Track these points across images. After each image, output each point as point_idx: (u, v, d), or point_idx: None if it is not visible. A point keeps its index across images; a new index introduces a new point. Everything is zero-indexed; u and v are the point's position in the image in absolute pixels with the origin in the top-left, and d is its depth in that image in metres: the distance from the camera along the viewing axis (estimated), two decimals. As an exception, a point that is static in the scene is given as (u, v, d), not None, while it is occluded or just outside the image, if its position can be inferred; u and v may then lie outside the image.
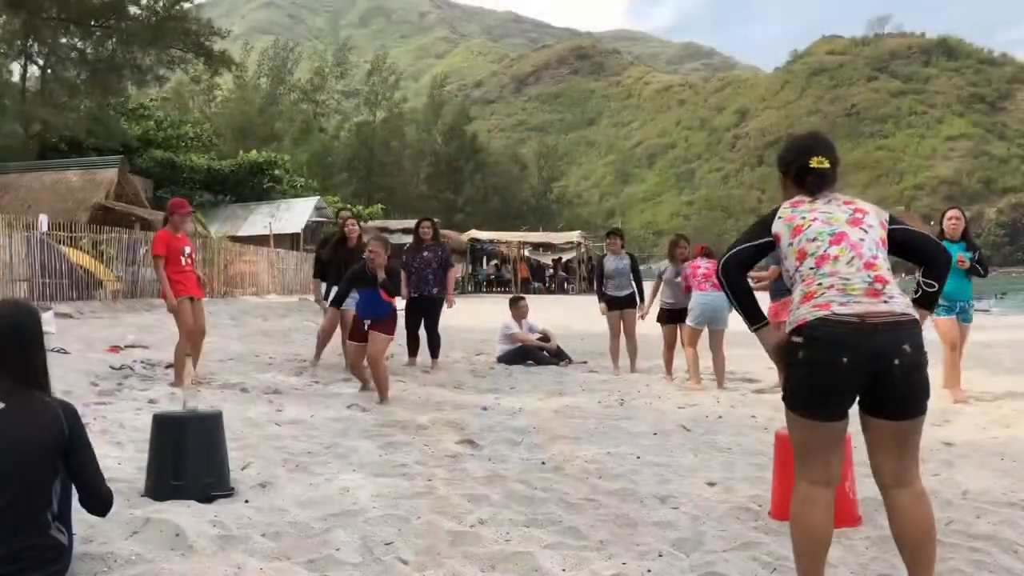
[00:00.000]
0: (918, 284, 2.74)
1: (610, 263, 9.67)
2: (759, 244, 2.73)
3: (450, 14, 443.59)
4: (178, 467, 3.85)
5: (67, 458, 2.65)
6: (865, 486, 3.95)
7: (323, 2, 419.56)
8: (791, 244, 2.67)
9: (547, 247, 42.68)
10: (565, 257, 42.31)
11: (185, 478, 3.83)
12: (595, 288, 10.13)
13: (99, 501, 2.83)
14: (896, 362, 2.47)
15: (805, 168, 2.74)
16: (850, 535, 3.47)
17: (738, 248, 2.72)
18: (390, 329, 7.07)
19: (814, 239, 2.62)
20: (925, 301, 2.74)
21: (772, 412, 6.72)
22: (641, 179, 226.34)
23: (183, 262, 7.62)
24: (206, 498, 3.79)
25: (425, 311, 9.64)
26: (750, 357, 11.23)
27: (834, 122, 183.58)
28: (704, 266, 8.37)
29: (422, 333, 9.74)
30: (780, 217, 2.71)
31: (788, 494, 3.49)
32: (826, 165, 2.73)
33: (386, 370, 7.10)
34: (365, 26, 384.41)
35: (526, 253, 41.17)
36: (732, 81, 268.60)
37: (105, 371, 8.03)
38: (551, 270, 42.61)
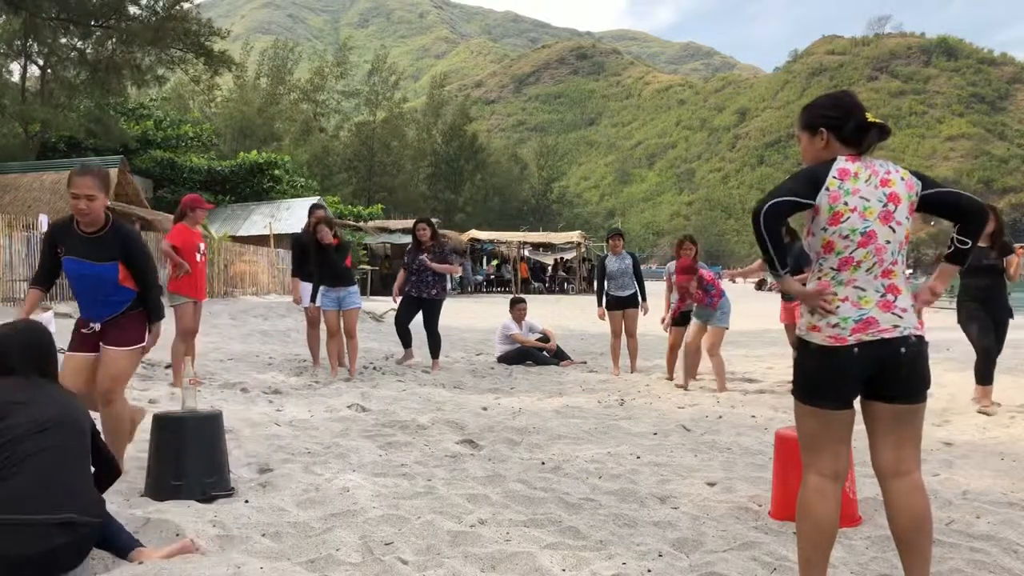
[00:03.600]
0: (952, 240, 2.72)
1: (612, 263, 9.69)
2: (803, 203, 2.64)
3: (450, 14, 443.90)
4: (178, 467, 3.85)
5: (93, 437, 3.10)
6: (865, 486, 3.95)
7: (323, 2, 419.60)
8: (824, 229, 2.65)
9: (547, 247, 42.63)
10: (565, 257, 42.29)
11: (185, 478, 3.83)
12: (596, 289, 10.12)
13: (112, 473, 3.29)
14: (902, 350, 2.57)
15: (864, 124, 2.68)
16: (850, 535, 3.47)
17: (779, 200, 2.61)
18: (133, 336, 4.21)
19: (846, 236, 2.62)
20: (956, 258, 2.72)
21: (772, 412, 6.73)
22: (641, 179, 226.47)
23: (197, 258, 7.66)
24: (206, 498, 3.79)
25: (424, 312, 9.64)
26: (750, 357, 11.27)
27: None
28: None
29: (413, 328, 9.72)
30: (828, 189, 2.63)
31: (788, 494, 3.50)
32: (879, 121, 2.70)
33: (132, 414, 4.37)
34: (365, 26, 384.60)
35: (526, 253, 41.13)
36: (732, 81, 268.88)
37: (105, 371, 8.01)
38: (550, 270, 42.61)
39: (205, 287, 7.88)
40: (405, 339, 9.80)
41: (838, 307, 2.61)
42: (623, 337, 9.75)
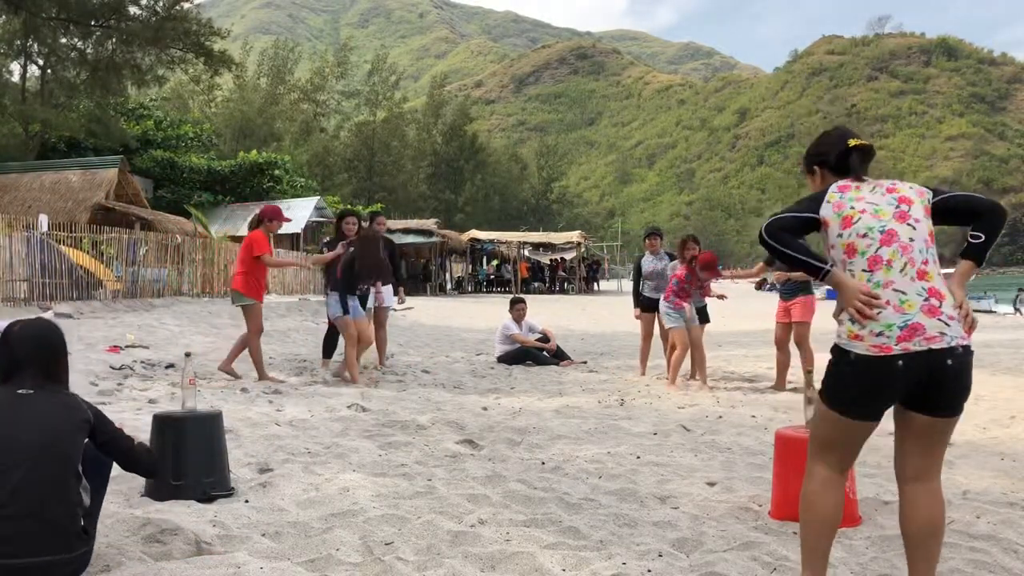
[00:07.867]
0: (965, 237, 2.65)
1: (648, 264, 9.29)
2: (803, 218, 2.65)
3: (450, 14, 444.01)
4: (178, 467, 3.85)
5: (103, 447, 2.99)
6: (865, 486, 3.95)
7: (323, 2, 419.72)
8: (840, 235, 2.60)
9: (547, 247, 42.66)
10: (564, 257, 42.32)
11: (185, 478, 3.83)
12: (632, 290, 9.69)
13: (143, 465, 3.18)
14: (949, 362, 2.45)
15: (846, 151, 2.72)
16: (850, 535, 3.46)
17: (780, 215, 2.66)
18: None
19: (864, 235, 2.56)
20: (971, 253, 2.62)
21: (772, 412, 6.73)
22: (641, 179, 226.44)
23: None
24: (206, 498, 3.79)
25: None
26: (750, 357, 11.26)
27: (834, 122, 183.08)
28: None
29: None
30: (829, 202, 2.63)
31: (788, 494, 3.50)
32: (865, 142, 2.72)
33: None
34: (365, 26, 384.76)
35: (526, 253, 41.16)
36: (732, 81, 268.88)
37: (105, 371, 8.03)
38: (550, 270, 42.62)
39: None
40: (329, 347, 9.27)
41: (879, 312, 2.46)
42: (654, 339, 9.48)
